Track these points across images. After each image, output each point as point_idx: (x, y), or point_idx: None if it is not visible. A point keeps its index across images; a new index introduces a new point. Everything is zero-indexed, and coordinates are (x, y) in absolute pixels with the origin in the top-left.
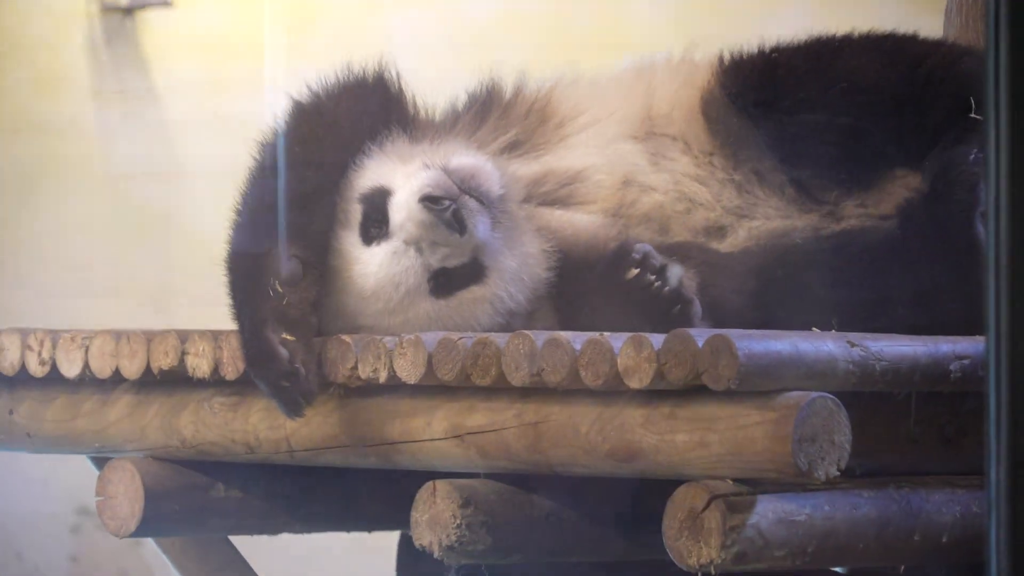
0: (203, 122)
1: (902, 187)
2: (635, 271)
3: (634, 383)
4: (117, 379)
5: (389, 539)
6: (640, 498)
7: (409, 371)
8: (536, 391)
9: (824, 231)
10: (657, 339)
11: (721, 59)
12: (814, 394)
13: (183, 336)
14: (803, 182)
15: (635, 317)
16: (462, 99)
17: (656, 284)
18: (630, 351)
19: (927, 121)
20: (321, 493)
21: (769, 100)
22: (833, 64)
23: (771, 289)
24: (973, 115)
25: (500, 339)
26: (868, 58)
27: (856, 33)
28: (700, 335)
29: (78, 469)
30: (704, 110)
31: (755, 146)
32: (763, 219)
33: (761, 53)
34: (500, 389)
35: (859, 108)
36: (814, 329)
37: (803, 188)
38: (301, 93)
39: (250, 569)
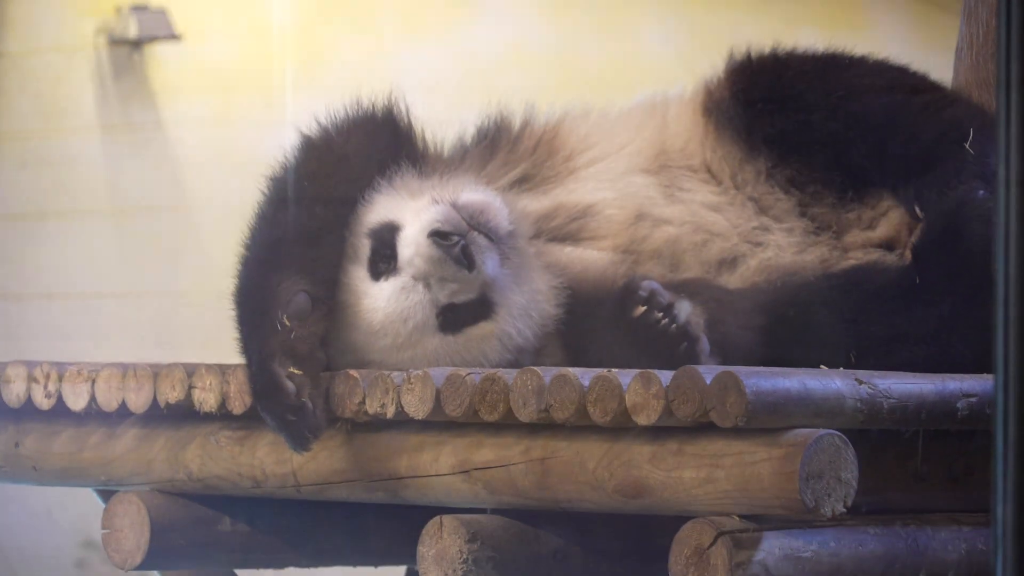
0: (211, 156)
1: (895, 211)
2: (642, 308)
3: (642, 420)
4: (124, 412)
5: (395, 574)
6: (646, 534)
7: (417, 407)
8: (544, 427)
9: (833, 267)
10: (665, 376)
11: (731, 55)
12: (821, 431)
13: (190, 370)
14: (802, 182)
15: (643, 354)
16: (471, 133)
17: (663, 321)
18: (638, 388)
19: (915, 144)
20: (327, 527)
21: (776, 97)
22: (840, 75)
23: (779, 326)
24: (968, 147)
25: (508, 375)
26: (873, 77)
27: (871, 58)
28: (708, 372)
29: (83, 502)
30: (706, 108)
31: (762, 142)
32: (775, 250)
33: (773, 53)
34: (508, 425)
35: (855, 120)
36: (822, 367)
37: (804, 190)
38: (310, 127)
39: None
